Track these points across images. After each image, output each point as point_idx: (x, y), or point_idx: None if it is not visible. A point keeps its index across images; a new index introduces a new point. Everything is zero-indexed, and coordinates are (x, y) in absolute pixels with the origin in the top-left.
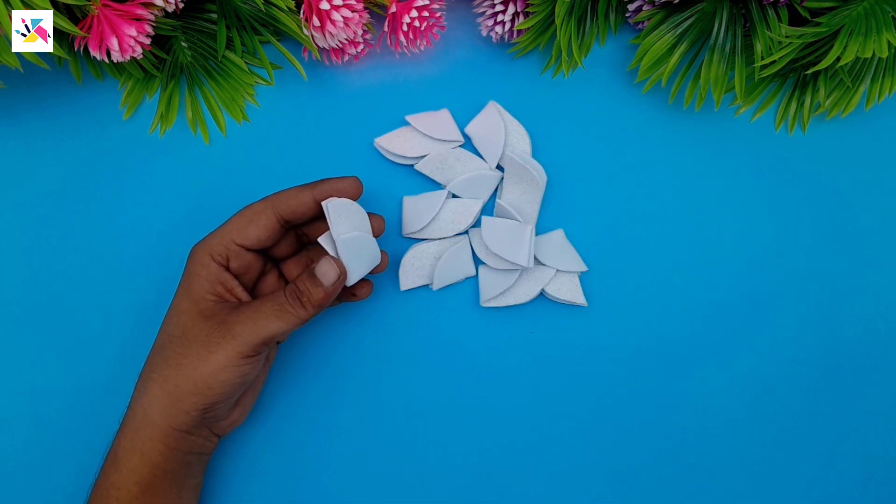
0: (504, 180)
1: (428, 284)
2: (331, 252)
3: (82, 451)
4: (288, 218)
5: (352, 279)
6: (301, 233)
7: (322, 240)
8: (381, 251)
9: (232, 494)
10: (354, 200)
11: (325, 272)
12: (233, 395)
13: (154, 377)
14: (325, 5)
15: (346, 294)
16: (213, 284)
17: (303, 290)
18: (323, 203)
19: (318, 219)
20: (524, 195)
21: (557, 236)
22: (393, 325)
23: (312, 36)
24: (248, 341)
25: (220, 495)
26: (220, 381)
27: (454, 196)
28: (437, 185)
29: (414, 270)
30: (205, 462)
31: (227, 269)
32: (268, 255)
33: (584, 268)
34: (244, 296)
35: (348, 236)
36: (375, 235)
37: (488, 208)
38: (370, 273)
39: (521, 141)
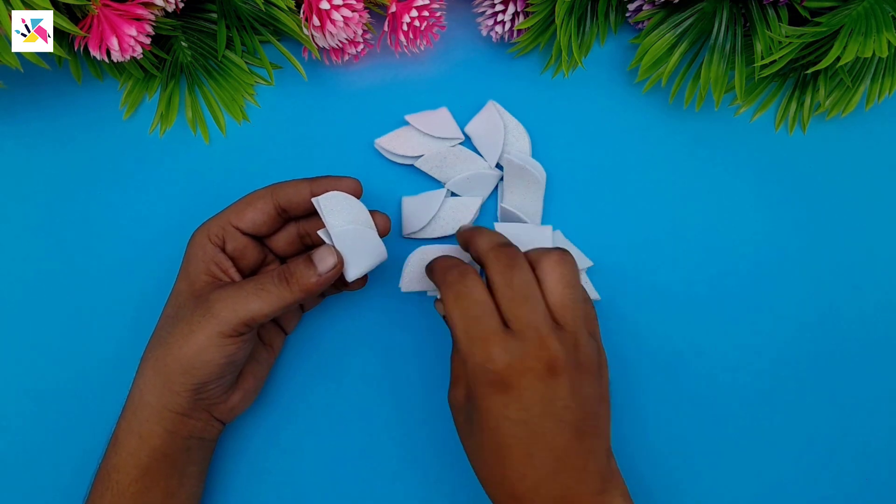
0: (504, 183)
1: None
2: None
3: (89, 437)
4: (285, 206)
5: (352, 273)
6: (303, 232)
7: (322, 232)
8: None
9: (233, 493)
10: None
11: (323, 258)
12: (221, 375)
13: (149, 357)
14: (325, 5)
15: (339, 282)
16: (208, 264)
17: (294, 271)
18: (313, 199)
19: (317, 214)
20: (526, 195)
21: (557, 237)
22: (393, 324)
23: (312, 36)
24: (227, 320)
25: (222, 494)
26: (204, 360)
27: (453, 195)
28: (436, 185)
29: (418, 273)
30: (207, 449)
31: (223, 250)
32: (268, 248)
33: (588, 262)
34: (237, 277)
35: (344, 229)
36: (380, 235)
37: (488, 207)
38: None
39: (520, 140)
